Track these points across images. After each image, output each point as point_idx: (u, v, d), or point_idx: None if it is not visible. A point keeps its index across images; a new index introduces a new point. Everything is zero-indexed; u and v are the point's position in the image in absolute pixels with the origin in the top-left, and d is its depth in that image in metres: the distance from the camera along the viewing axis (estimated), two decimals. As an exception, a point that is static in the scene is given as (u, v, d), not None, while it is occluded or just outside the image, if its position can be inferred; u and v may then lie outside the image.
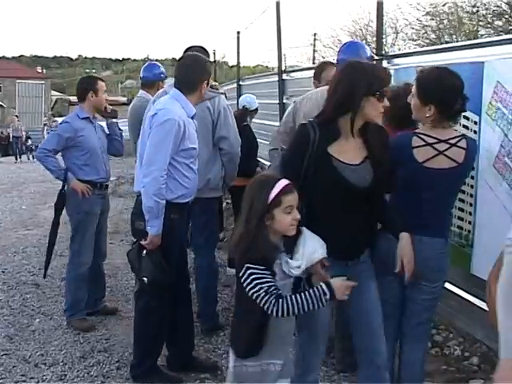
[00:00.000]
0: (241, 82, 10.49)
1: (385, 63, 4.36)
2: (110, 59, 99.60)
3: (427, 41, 14.73)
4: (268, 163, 5.56)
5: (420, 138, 2.55)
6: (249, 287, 2.09)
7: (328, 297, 2.11)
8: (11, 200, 10.01)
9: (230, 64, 25.08)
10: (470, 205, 3.32)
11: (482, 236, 3.25)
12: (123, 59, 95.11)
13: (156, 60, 12.72)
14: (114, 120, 4.48)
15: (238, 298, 2.28)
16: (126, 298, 4.70)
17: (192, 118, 3.24)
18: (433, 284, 2.63)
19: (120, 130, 4.49)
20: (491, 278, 1.34)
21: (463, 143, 2.55)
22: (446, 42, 12.87)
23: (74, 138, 4.12)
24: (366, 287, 2.46)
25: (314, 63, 16.06)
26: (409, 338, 2.75)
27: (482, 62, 3.18)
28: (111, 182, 6.41)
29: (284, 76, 7.57)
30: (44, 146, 4.23)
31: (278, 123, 5.89)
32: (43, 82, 48.76)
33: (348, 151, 2.39)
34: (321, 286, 2.13)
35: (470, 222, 3.35)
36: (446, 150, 2.53)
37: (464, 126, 3.23)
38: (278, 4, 7.54)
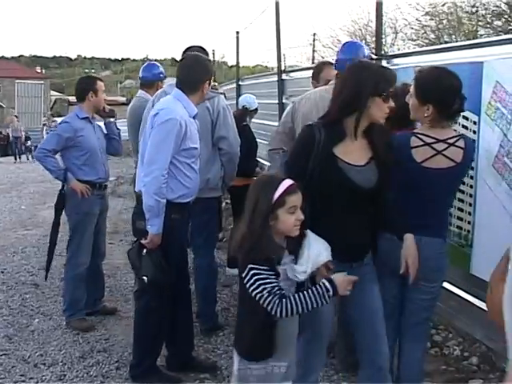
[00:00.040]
0: (240, 82, 10.47)
1: (384, 63, 4.36)
2: (109, 59, 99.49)
3: (426, 41, 14.73)
4: (267, 163, 5.56)
5: (418, 138, 2.55)
6: (252, 288, 2.07)
7: (331, 293, 2.09)
8: (10, 200, 9.98)
9: (230, 64, 25.14)
10: (470, 205, 3.32)
11: (481, 236, 3.25)
12: (122, 59, 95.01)
13: (155, 60, 12.73)
14: (112, 119, 4.47)
15: (241, 298, 2.27)
16: (126, 298, 4.70)
17: (194, 117, 3.24)
18: (431, 284, 2.63)
19: (118, 129, 4.48)
20: (496, 277, 1.33)
21: (461, 143, 2.55)
22: (446, 42, 12.87)
23: (73, 138, 4.11)
24: (369, 289, 2.46)
25: (313, 63, 16.01)
26: (408, 338, 2.75)
27: (482, 62, 3.18)
28: (110, 182, 6.42)
29: (283, 76, 7.56)
30: (43, 146, 4.21)
31: (277, 123, 5.87)
32: (42, 82, 48.61)
33: (353, 152, 2.39)
34: (323, 282, 2.12)
35: (469, 222, 3.35)
36: (445, 149, 2.53)
37: (463, 126, 3.23)
38: (277, 4, 7.53)
